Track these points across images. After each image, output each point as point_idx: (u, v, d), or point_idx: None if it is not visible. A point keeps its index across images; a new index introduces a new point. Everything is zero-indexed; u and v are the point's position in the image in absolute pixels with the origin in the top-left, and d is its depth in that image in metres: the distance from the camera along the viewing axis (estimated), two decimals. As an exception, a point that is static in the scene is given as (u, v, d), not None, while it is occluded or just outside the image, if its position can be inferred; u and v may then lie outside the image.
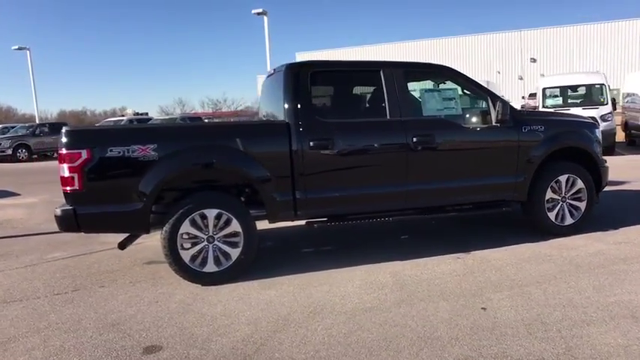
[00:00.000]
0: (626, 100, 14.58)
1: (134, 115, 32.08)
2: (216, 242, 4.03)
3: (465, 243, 4.84)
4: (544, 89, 13.18)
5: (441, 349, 2.77)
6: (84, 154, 3.72)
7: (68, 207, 3.82)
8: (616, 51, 35.88)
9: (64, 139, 3.76)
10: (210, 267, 4.01)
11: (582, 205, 4.99)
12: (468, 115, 4.51)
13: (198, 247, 4.00)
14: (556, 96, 13.41)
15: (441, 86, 4.86)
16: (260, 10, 20.04)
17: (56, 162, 4.05)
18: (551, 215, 4.91)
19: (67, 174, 3.74)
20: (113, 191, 3.84)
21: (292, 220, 4.32)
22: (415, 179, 4.41)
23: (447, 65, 4.81)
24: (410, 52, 40.64)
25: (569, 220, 4.97)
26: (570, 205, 4.97)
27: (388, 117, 4.36)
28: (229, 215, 3.99)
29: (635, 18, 36.36)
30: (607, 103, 12.07)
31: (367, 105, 4.59)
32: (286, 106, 4.18)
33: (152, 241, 5.49)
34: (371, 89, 4.55)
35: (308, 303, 3.55)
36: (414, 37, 52.52)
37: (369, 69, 4.56)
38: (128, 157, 3.79)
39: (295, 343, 2.95)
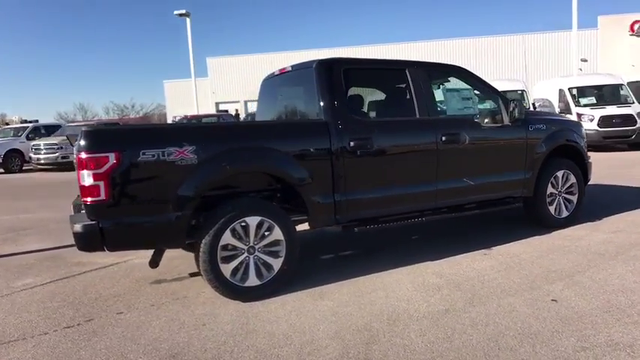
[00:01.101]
0: (538, 105, 16.21)
1: (21, 122, 28.60)
2: (257, 253, 3.67)
3: (480, 240, 4.94)
4: None
5: (551, 342, 2.76)
6: (111, 158, 3.17)
7: (90, 221, 3.22)
8: (504, 63, 39.74)
9: (84, 142, 3.17)
10: (253, 281, 3.64)
11: (574, 199, 5.36)
12: (485, 115, 4.63)
13: (239, 260, 3.61)
14: None
15: (451, 86, 4.93)
16: (183, 12, 19.04)
17: None
18: (551, 209, 5.22)
19: (89, 182, 3.15)
20: (146, 201, 3.32)
21: (331, 225, 4.08)
22: (444, 178, 4.41)
23: (461, 66, 4.90)
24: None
25: (565, 213, 5.31)
26: (565, 198, 5.32)
27: (417, 116, 4.31)
28: (271, 222, 3.66)
29: (526, 33, 40.62)
30: (529, 108, 13.29)
31: (397, 104, 4.50)
32: (322, 103, 3.94)
33: (139, 258, 4.89)
34: (398, 87, 4.47)
35: (378, 310, 3.36)
36: (330, 44, 53.61)
37: (395, 67, 4.48)
38: (163, 161, 3.30)
39: (401, 353, 2.75)
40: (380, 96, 4.69)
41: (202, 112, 29.81)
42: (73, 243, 5.73)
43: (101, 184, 3.15)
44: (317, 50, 44.05)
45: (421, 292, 3.67)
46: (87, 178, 3.16)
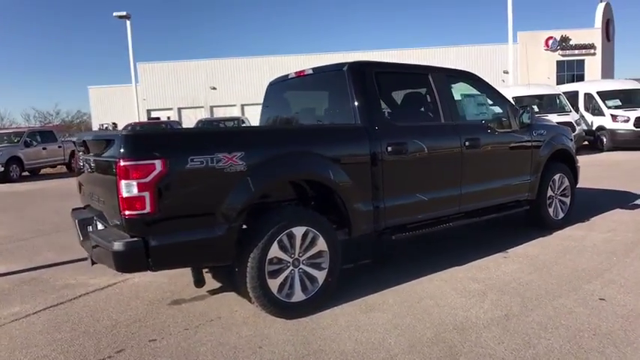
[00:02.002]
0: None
1: None
2: (301, 266, 3.43)
3: (491, 243, 5.00)
4: None
5: (630, 341, 2.80)
6: (158, 165, 2.81)
7: (132, 238, 2.83)
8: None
9: (125, 148, 2.78)
10: (299, 296, 3.40)
11: (568, 201, 5.62)
12: (497, 120, 4.72)
13: (285, 274, 3.35)
14: None
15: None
16: (123, 14, 17.91)
17: None
18: (550, 211, 5.42)
19: (133, 193, 2.77)
20: (194, 212, 2.98)
21: (368, 233, 3.91)
22: (467, 182, 4.42)
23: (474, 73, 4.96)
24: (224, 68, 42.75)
25: (561, 215, 5.55)
26: (560, 200, 5.56)
27: (442, 120, 4.30)
28: (316, 232, 3.44)
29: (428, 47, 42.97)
30: None
31: (424, 108, 4.44)
32: (357, 107, 3.79)
33: (138, 277, 4.43)
34: (424, 92, 4.42)
35: (438, 320, 3.24)
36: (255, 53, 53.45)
37: (419, 72, 4.43)
38: (212, 169, 2.99)
39: (492, 363, 2.66)
40: (410, 100, 4.61)
41: (132, 119, 28.25)
42: (46, 264, 5.22)
43: (147, 195, 2.78)
44: (250, 58, 44.06)
45: (468, 298, 3.61)
46: (130, 189, 2.77)
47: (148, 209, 2.79)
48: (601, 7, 39.00)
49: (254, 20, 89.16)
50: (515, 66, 40.18)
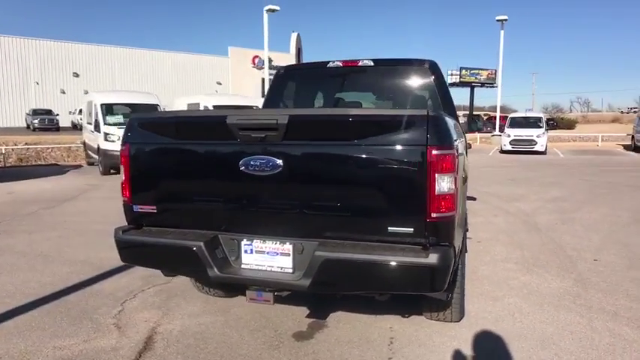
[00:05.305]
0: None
1: None
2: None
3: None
4: (102, 105, 12.50)
5: None
6: (454, 155, 2.33)
7: (441, 246, 2.20)
8: (150, 76, 40.20)
9: (437, 132, 2.20)
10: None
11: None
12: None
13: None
14: (117, 114, 12.67)
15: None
16: None
17: None
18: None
19: (447, 189, 2.26)
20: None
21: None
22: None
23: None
24: None
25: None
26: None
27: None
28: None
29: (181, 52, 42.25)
30: None
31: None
32: (444, 100, 3.91)
33: (174, 320, 3.21)
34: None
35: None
36: None
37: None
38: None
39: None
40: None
41: None
42: None
43: (455, 191, 2.25)
44: None
45: (568, 281, 4.17)
46: (444, 185, 2.20)
47: (455, 209, 2.25)
48: (294, 36, 45.75)
49: None
50: (228, 78, 42.97)
